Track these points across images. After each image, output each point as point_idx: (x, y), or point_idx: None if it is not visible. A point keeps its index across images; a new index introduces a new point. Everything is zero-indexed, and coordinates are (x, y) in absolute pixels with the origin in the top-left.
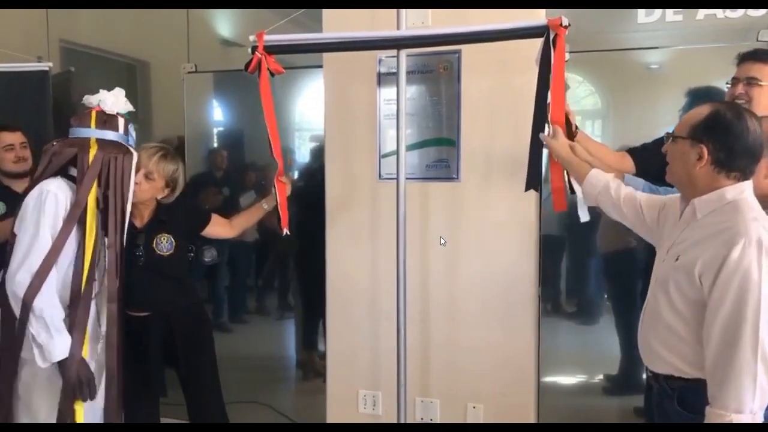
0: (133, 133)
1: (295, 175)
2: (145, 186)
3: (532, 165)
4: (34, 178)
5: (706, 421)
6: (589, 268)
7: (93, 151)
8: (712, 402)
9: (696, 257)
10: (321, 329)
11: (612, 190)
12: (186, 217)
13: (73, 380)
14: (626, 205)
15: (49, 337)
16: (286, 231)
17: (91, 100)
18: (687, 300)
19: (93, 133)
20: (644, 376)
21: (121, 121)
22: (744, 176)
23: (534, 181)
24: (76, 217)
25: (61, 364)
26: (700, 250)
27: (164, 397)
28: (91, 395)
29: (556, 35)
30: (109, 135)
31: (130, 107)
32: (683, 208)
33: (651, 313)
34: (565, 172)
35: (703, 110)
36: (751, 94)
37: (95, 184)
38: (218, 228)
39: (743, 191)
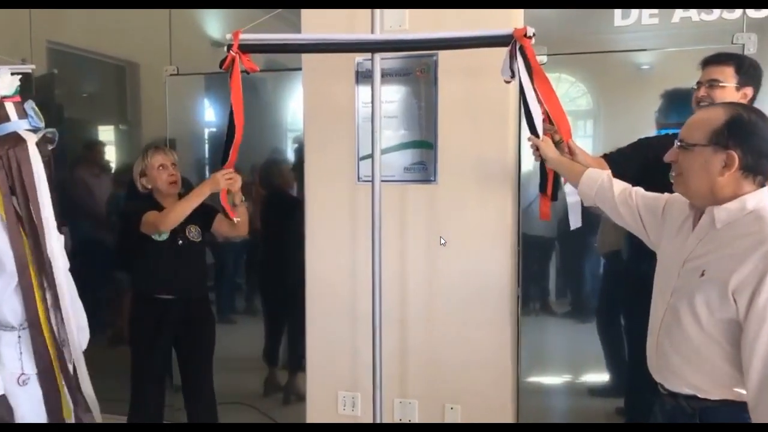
0: (31, 111)
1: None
2: (177, 174)
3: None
4: None
5: None
6: (570, 269)
7: None
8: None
9: (728, 273)
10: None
11: (608, 190)
12: (202, 211)
13: None
14: (622, 206)
15: None
16: (236, 219)
17: None
18: (716, 318)
19: None
20: (627, 378)
21: (10, 107)
22: (765, 180)
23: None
24: None
25: None
26: (732, 264)
27: (169, 376)
28: None
29: (522, 45)
30: (2, 129)
31: (14, 84)
32: (695, 217)
33: (671, 329)
34: (543, 179)
35: (717, 114)
36: (713, 95)
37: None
38: (224, 226)
39: (762, 199)
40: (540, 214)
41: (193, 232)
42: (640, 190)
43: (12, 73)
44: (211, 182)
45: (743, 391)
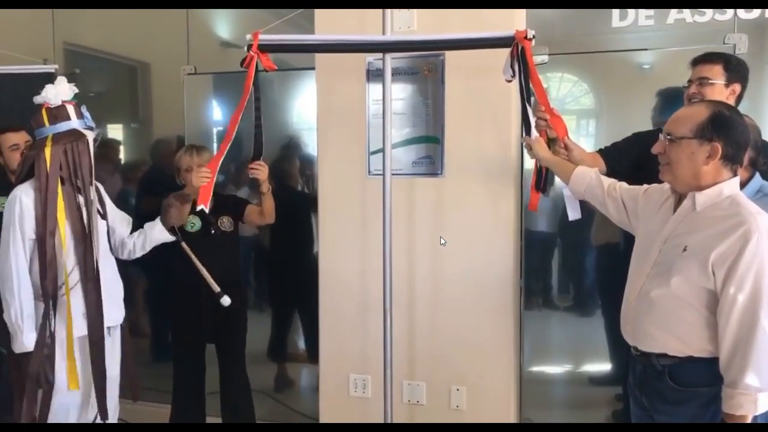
0: (86, 113)
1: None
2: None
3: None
4: (16, 182)
5: (730, 403)
6: (570, 264)
7: (48, 150)
8: (732, 384)
9: (709, 248)
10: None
11: (597, 187)
12: (234, 203)
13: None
14: (609, 198)
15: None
16: (201, 207)
17: (38, 99)
18: (694, 286)
19: (49, 130)
20: (627, 364)
21: (70, 109)
22: (737, 169)
23: (540, 183)
24: (53, 216)
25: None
26: (713, 242)
27: (211, 342)
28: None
29: (523, 46)
30: (63, 127)
31: (74, 90)
32: (676, 201)
33: (649, 297)
34: (536, 175)
35: (700, 110)
36: (703, 92)
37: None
38: (254, 215)
39: (736, 186)
40: (528, 205)
41: (226, 223)
42: (623, 183)
43: (36, 74)
44: (189, 184)
45: (711, 347)
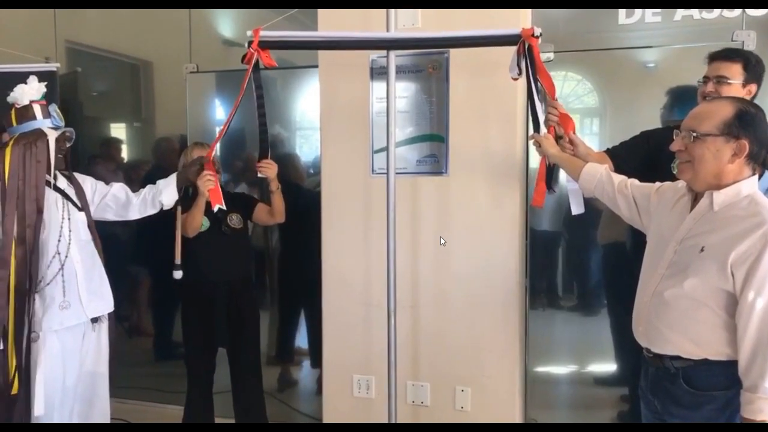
0: (53, 112)
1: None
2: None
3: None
4: None
5: (749, 407)
6: (576, 263)
7: (9, 150)
8: (752, 389)
9: (728, 249)
10: (309, 321)
11: (607, 183)
12: (242, 201)
13: None
14: (620, 195)
15: None
16: (218, 206)
17: (9, 99)
18: (711, 287)
19: (16, 130)
20: (634, 365)
21: (36, 108)
22: (757, 168)
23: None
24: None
25: None
26: (732, 242)
27: (223, 347)
28: None
29: (530, 44)
30: (29, 126)
31: (41, 91)
32: (692, 200)
33: (663, 298)
34: (546, 172)
35: (725, 107)
36: (720, 91)
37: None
38: (263, 214)
39: (754, 185)
40: (532, 201)
41: (235, 220)
42: (634, 181)
43: (38, 72)
44: (200, 193)
45: (728, 350)
